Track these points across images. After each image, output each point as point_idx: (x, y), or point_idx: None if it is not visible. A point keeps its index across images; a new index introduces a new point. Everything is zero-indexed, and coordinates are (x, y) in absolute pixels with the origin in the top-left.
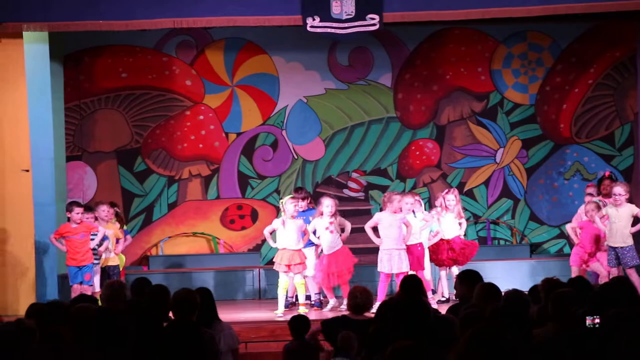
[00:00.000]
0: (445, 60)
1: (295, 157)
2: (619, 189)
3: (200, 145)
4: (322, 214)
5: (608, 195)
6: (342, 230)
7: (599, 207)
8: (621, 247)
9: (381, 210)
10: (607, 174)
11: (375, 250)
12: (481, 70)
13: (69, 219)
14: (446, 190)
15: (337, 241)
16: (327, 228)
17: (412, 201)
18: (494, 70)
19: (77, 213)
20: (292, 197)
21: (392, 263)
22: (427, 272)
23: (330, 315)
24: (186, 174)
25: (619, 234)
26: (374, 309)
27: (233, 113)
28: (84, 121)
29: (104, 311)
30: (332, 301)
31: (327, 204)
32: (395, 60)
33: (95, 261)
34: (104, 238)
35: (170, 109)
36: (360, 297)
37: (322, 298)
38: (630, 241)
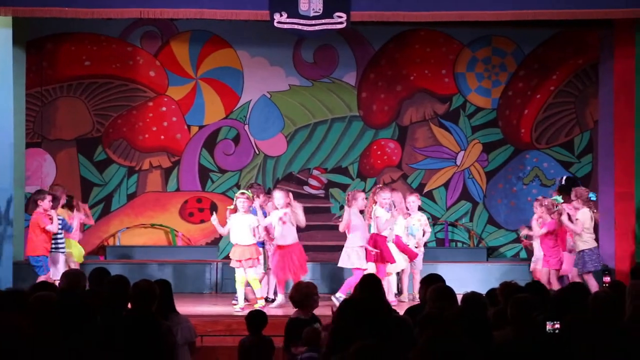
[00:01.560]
0: (410, 61)
1: (257, 152)
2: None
3: (162, 137)
4: (275, 208)
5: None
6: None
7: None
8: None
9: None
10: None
11: (333, 248)
12: (445, 73)
13: (29, 206)
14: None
15: (290, 233)
16: (280, 219)
17: (389, 196)
18: (457, 73)
19: (49, 201)
20: (241, 193)
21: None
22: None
23: (276, 311)
24: (146, 165)
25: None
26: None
27: (196, 106)
28: (45, 108)
29: (66, 298)
30: (280, 297)
31: (278, 196)
32: (360, 59)
33: (59, 248)
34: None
35: (132, 99)
36: (302, 292)
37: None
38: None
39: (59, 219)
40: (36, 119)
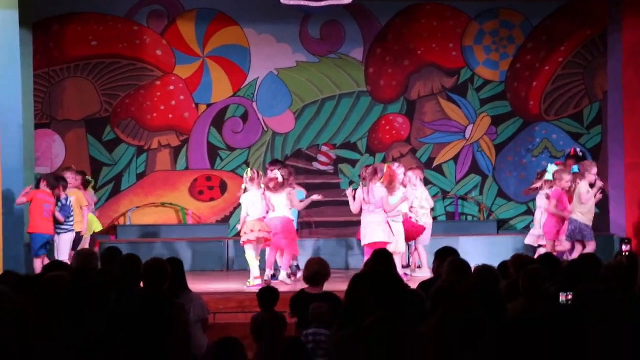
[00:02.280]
0: (417, 36)
1: (265, 129)
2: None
3: (170, 116)
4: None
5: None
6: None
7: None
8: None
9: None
10: (572, 152)
11: (343, 224)
12: (452, 46)
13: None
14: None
15: (288, 209)
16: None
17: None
18: (465, 47)
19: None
20: (250, 170)
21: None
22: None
23: (287, 287)
24: (155, 144)
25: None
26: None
27: (203, 84)
28: (53, 89)
29: (79, 277)
30: (268, 271)
31: (271, 169)
32: (367, 35)
33: (66, 228)
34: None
35: (140, 78)
36: (314, 269)
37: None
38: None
39: (63, 200)
40: (44, 100)
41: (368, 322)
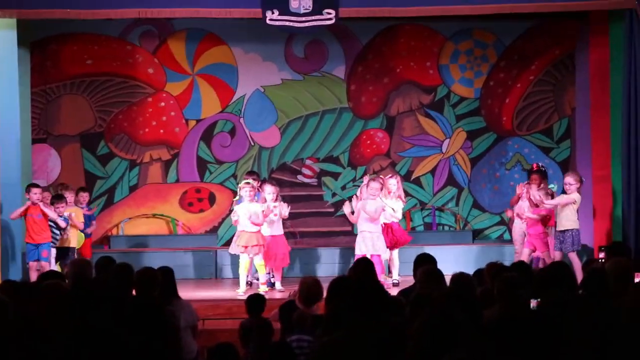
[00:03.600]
0: (396, 54)
1: (252, 143)
2: (570, 179)
3: (161, 131)
4: (264, 200)
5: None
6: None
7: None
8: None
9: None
10: (534, 166)
11: (326, 234)
12: (430, 65)
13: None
14: (389, 175)
15: (278, 226)
16: (272, 212)
17: (377, 186)
18: (441, 65)
19: (35, 194)
20: (246, 183)
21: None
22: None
23: (275, 295)
24: (147, 158)
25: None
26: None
27: (193, 100)
28: (49, 105)
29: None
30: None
31: (269, 191)
32: (348, 54)
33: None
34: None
35: (132, 95)
36: (310, 289)
37: (271, 279)
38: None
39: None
40: (41, 115)
41: (350, 329)
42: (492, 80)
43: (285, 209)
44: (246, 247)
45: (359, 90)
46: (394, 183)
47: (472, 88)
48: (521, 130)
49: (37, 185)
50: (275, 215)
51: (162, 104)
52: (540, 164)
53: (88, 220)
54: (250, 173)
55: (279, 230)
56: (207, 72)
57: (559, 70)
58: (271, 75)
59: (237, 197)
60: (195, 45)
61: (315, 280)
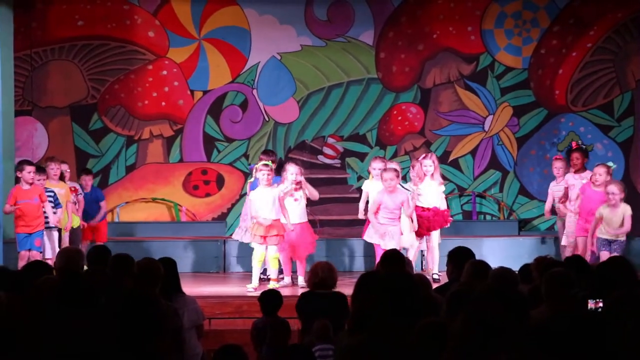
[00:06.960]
0: (432, 18)
1: (267, 119)
2: (614, 188)
3: (163, 103)
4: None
5: (579, 169)
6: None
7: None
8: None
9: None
10: (574, 145)
11: (350, 222)
12: (471, 30)
13: (18, 180)
14: (423, 155)
15: (303, 212)
16: (291, 196)
17: (381, 166)
18: (485, 30)
19: (29, 172)
20: (264, 165)
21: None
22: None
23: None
24: (147, 134)
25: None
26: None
27: (199, 69)
28: (35, 73)
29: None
30: (287, 279)
31: (292, 171)
32: (378, 17)
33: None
34: (57, 200)
35: (130, 62)
36: (322, 274)
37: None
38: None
39: (49, 193)
40: (26, 84)
41: (380, 328)
42: (543, 48)
43: (311, 189)
44: (265, 237)
45: (389, 58)
46: (429, 164)
47: (519, 57)
48: (576, 106)
49: (30, 163)
50: (296, 199)
51: (164, 72)
52: (580, 141)
53: (94, 202)
54: (267, 152)
55: (303, 215)
56: (216, 36)
57: (621, 36)
58: (289, 41)
59: (252, 179)
60: (202, 6)
61: (327, 265)
